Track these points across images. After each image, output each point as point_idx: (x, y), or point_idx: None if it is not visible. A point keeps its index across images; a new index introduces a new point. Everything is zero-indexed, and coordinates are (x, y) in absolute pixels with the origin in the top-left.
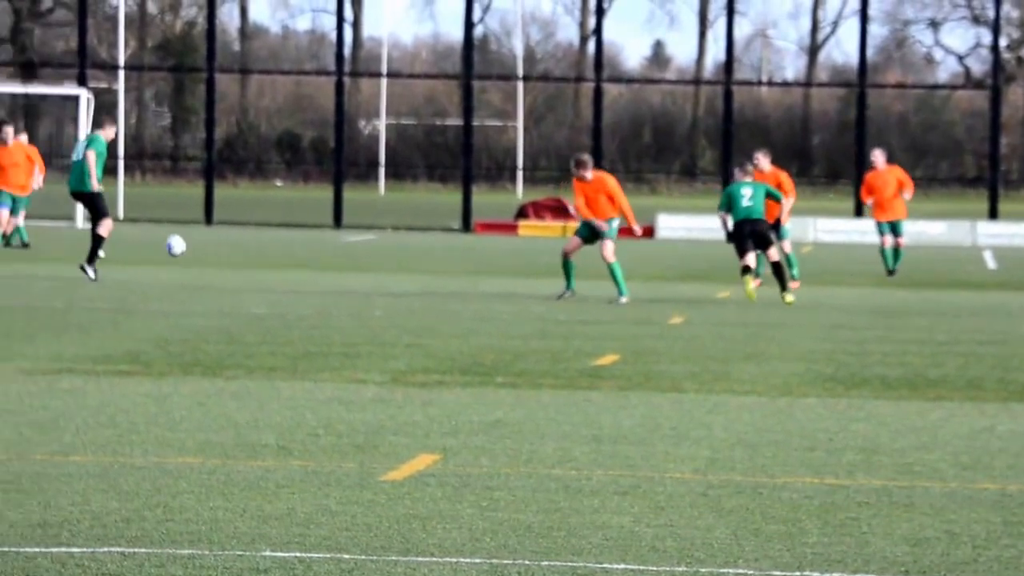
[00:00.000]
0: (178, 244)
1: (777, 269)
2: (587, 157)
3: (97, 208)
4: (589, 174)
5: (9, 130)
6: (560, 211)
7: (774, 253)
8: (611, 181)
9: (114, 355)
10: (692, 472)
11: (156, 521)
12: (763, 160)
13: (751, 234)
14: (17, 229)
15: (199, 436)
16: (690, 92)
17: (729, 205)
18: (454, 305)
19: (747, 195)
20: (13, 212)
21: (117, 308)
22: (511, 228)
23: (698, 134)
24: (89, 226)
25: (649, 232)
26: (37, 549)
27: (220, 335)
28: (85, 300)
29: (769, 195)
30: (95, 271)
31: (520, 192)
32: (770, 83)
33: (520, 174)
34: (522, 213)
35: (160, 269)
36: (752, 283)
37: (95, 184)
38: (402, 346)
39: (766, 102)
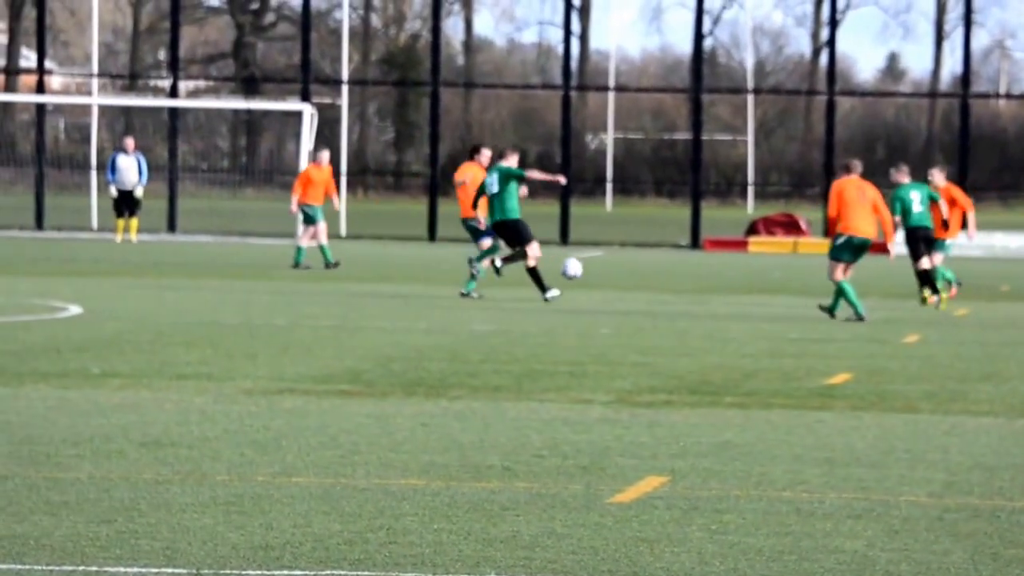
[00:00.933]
0: (574, 267)
1: (926, 275)
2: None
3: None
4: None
5: (324, 154)
6: (791, 227)
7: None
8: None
9: (336, 374)
10: (927, 495)
11: (379, 544)
12: (938, 176)
13: (923, 239)
14: (321, 248)
15: (422, 457)
16: (925, 105)
17: (903, 210)
18: (682, 323)
19: (916, 199)
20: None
21: (339, 326)
22: (741, 244)
23: (933, 149)
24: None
25: (885, 248)
26: (259, 572)
27: (443, 353)
28: (307, 318)
29: (931, 198)
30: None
31: (751, 207)
32: (1008, 96)
33: (751, 189)
34: (752, 229)
35: (382, 286)
36: (939, 294)
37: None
38: (629, 365)
39: (1004, 115)
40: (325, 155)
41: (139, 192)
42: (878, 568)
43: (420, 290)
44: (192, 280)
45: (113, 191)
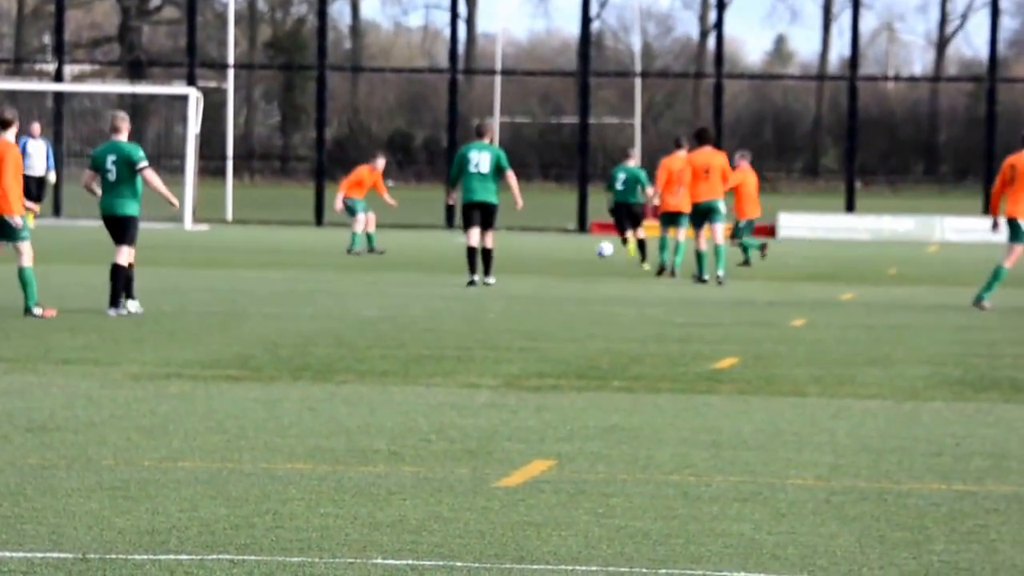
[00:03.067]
0: (608, 248)
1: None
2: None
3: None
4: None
5: (381, 161)
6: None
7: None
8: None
9: (223, 359)
10: (815, 478)
11: (265, 528)
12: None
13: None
14: (368, 235)
15: (309, 442)
16: (813, 88)
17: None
18: (570, 308)
19: (621, 178)
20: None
21: (226, 312)
22: None
23: (821, 131)
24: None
25: (771, 231)
26: (145, 556)
27: (330, 339)
28: (193, 303)
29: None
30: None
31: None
32: (896, 78)
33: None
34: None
35: (268, 272)
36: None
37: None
38: (516, 349)
39: (892, 98)
40: (381, 162)
41: (51, 177)
42: (765, 551)
43: (306, 275)
44: (77, 265)
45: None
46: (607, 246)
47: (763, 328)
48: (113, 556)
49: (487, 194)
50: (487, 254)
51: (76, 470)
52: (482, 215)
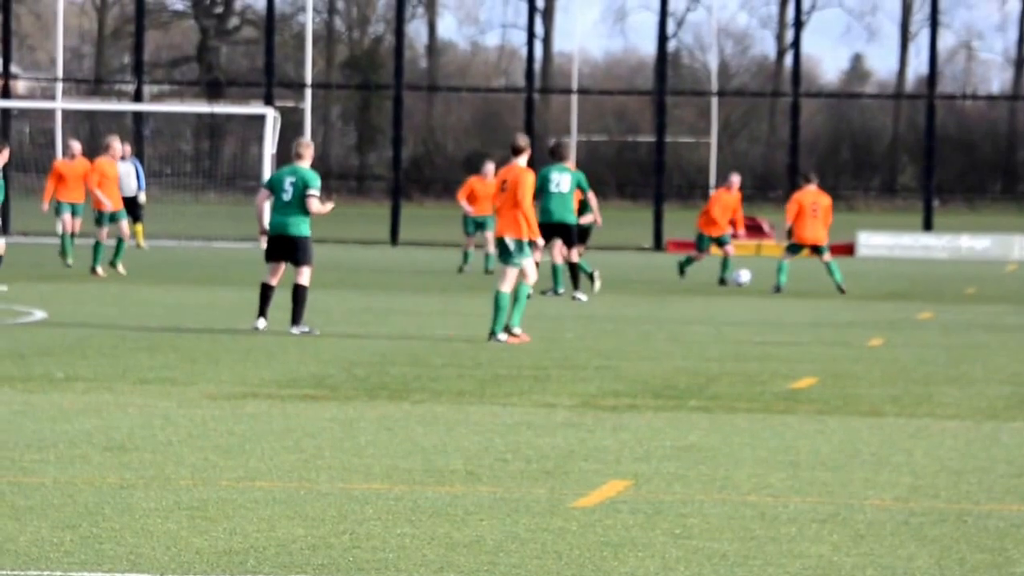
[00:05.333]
0: (745, 275)
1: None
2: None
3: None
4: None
5: (490, 166)
6: (755, 229)
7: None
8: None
9: (299, 379)
10: (893, 499)
11: (343, 548)
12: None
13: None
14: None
15: (386, 461)
16: (890, 107)
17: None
18: (646, 326)
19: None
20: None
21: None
22: None
23: (898, 150)
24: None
25: (849, 250)
26: None
27: (406, 358)
28: (270, 323)
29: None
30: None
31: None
32: (974, 96)
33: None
34: None
35: (344, 291)
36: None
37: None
38: (592, 369)
39: (970, 116)
40: (490, 167)
41: (142, 197)
42: (843, 573)
43: (382, 294)
44: (156, 285)
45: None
46: (745, 273)
47: (841, 347)
48: None
49: (566, 213)
50: (573, 268)
51: (154, 490)
52: (561, 235)
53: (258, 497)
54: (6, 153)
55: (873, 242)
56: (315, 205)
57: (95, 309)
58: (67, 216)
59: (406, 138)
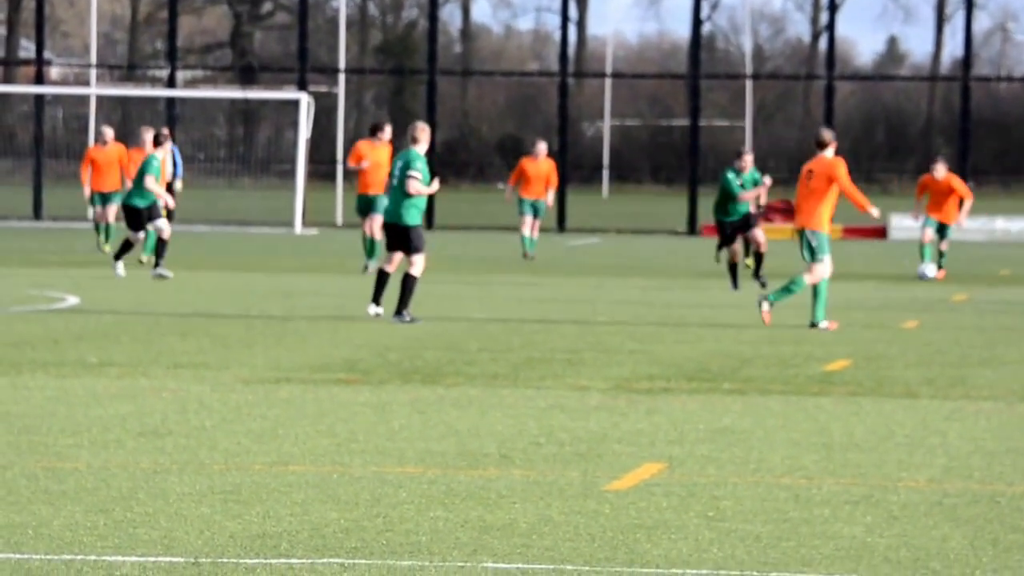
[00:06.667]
0: (931, 269)
1: None
2: None
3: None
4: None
5: (542, 145)
6: (789, 213)
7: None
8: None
9: (332, 363)
10: (927, 481)
11: (376, 532)
12: (940, 168)
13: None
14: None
15: (419, 445)
16: (925, 89)
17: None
18: (679, 310)
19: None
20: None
21: (335, 316)
22: None
23: (933, 132)
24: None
25: (882, 233)
26: (257, 560)
27: (440, 341)
28: (304, 308)
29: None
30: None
31: None
32: (1010, 79)
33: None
34: None
35: None
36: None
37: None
38: (626, 352)
39: (1005, 98)
40: (543, 147)
41: (178, 185)
42: (877, 554)
43: None
44: (189, 270)
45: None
46: (931, 268)
47: (875, 330)
48: (224, 560)
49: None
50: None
51: (188, 474)
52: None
53: (291, 481)
54: None
55: (906, 224)
56: (414, 186)
57: (128, 294)
58: (98, 208)
59: (440, 123)
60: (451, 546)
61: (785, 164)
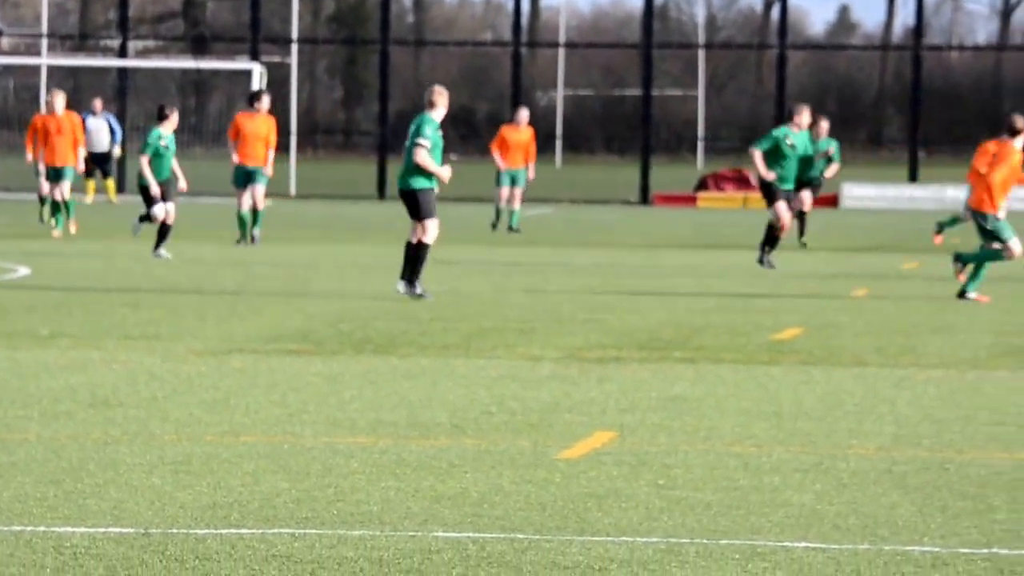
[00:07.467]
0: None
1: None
2: None
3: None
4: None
5: (523, 112)
6: (741, 182)
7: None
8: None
9: (285, 334)
10: (876, 448)
11: (327, 502)
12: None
13: None
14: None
15: (370, 415)
16: (876, 58)
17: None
18: (632, 280)
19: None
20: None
21: (288, 287)
22: (690, 200)
23: (885, 102)
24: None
25: (833, 201)
26: (207, 531)
27: (392, 313)
28: (256, 279)
29: None
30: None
31: (700, 163)
32: (961, 47)
33: (700, 145)
34: (702, 185)
35: (331, 246)
36: None
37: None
38: (578, 322)
39: (956, 67)
40: (524, 114)
41: (117, 151)
42: (826, 521)
43: (369, 249)
44: (140, 241)
45: (83, 153)
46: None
47: (825, 299)
48: (175, 531)
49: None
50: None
51: (138, 445)
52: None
53: (242, 451)
54: None
55: (857, 193)
56: (421, 155)
57: (79, 266)
58: (51, 185)
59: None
60: (402, 515)
61: (737, 133)
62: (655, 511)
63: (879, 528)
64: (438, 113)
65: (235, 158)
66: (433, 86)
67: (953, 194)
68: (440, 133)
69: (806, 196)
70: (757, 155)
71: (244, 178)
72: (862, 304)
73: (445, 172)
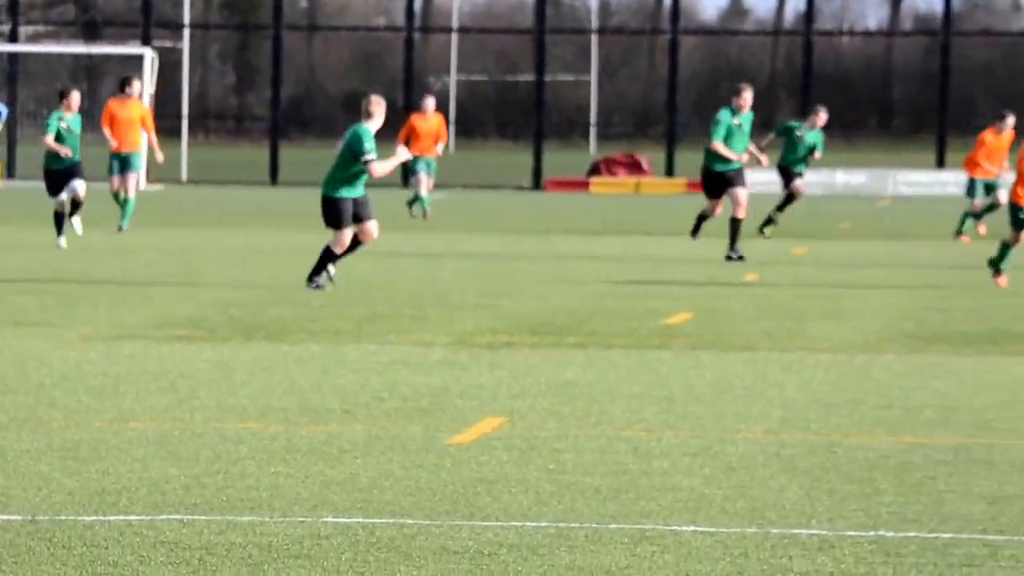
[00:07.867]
0: None
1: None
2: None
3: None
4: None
5: (430, 100)
6: (634, 167)
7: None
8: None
9: (175, 320)
10: (764, 432)
11: (216, 488)
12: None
13: None
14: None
15: (261, 401)
16: (768, 44)
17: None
18: (524, 265)
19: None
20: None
21: (178, 273)
22: (583, 185)
23: (776, 87)
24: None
25: None
26: (95, 517)
27: (283, 298)
28: (147, 265)
29: None
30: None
31: (593, 148)
32: (851, 33)
33: (593, 130)
34: (595, 170)
35: (223, 232)
36: None
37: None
38: (470, 307)
39: (847, 53)
40: (430, 102)
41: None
42: (714, 505)
43: (261, 235)
44: (31, 227)
45: None
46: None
47: (716, 284)
48: (63, 517)
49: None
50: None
51: (26, 432)
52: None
53: (131, 438)
54: None
55: (755, 179)
56: (376, 170)
57: None
58: None
59: (285, 78)
60: (292, 501)
61: (630, 118)
62: (545, 496)
63: (767, 511)
64: (374, 123)
65: (112, 144)
66: (371, 96)
67: (843, 178)
68: (373, 141)
69: (799, 183)
70: (720, 146)
71: (120, 164)
72: (752, 289)
73: (402, 153)
